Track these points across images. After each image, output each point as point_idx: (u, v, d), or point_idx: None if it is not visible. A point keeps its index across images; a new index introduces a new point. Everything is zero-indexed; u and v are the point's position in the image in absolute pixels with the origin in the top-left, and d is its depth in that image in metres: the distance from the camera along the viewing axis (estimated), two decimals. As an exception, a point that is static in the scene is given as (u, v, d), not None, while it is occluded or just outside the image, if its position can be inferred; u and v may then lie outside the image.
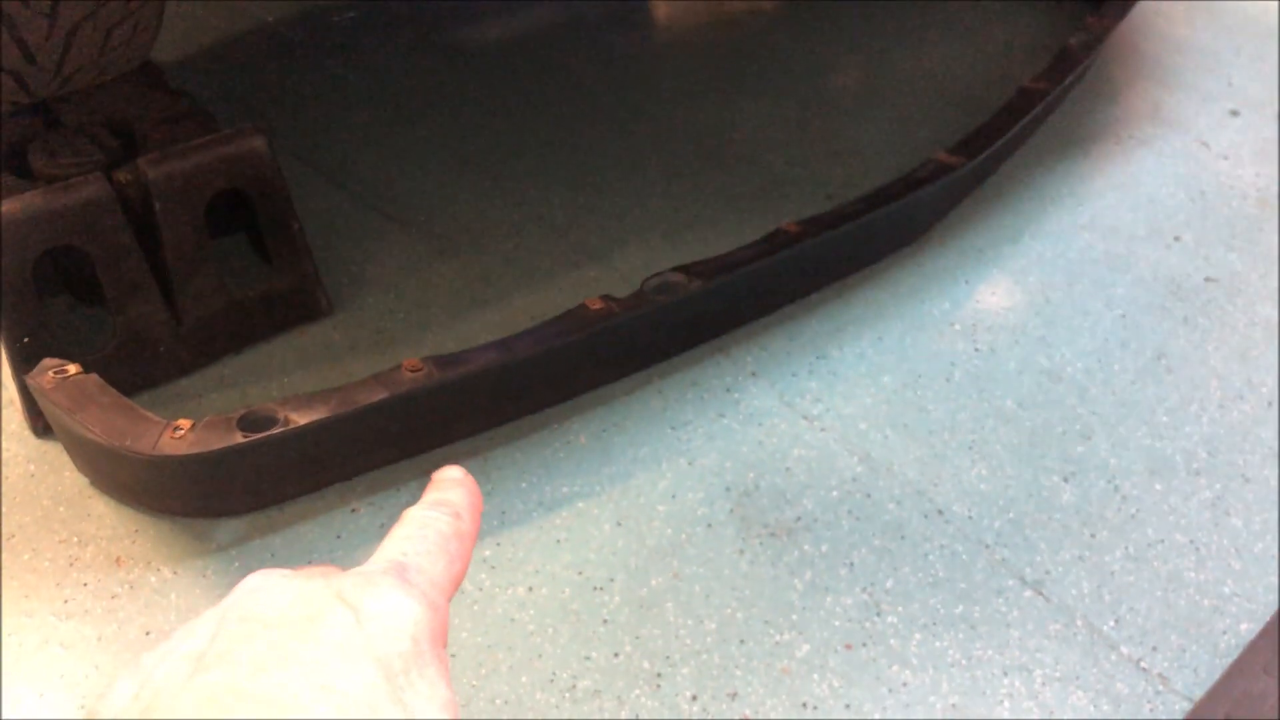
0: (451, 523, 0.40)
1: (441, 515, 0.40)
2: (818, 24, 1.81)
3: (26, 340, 0.99)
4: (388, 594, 0.34)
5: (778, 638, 0.88)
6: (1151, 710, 0.85)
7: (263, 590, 0.34)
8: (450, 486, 0.43)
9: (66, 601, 0.89)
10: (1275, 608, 0.93)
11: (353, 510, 0.97)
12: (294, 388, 1.09)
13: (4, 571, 0.91)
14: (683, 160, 1.46)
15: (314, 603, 0.33)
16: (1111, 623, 0.91)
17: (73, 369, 0.91)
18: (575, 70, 1.65)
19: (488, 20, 1.79)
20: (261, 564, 0.92)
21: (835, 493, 1.00)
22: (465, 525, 0.41)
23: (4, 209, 0.94)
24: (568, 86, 1.61)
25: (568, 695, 0.84)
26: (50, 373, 0.90)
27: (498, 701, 0.83)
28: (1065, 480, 1.03)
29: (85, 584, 0.90)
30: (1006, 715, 0.84)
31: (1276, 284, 1.29)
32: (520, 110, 1.55)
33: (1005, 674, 0.87)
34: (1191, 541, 0.98)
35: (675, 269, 1.09)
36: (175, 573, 0.91)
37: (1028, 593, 0.93)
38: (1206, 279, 1.29)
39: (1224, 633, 0.91)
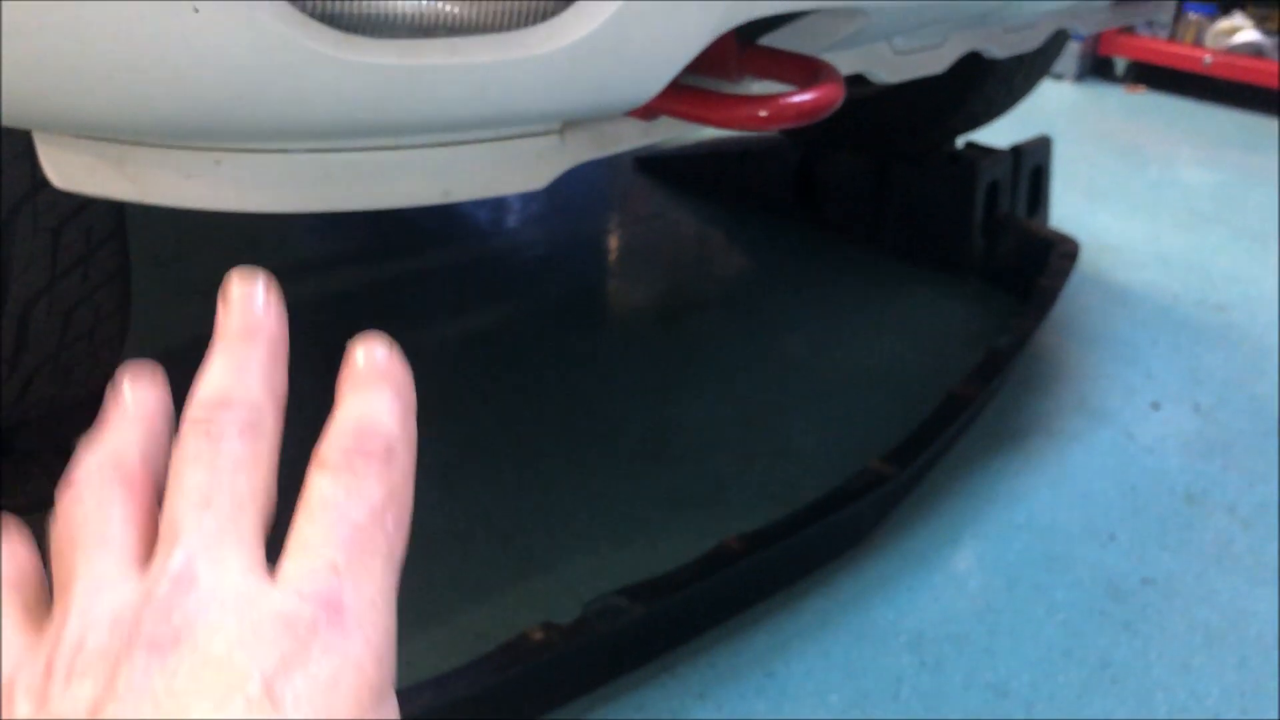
0: (386, 488, 0.30)
1: (373, 478, 0.30)
2: (758, 322, 1.90)
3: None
4: (321, 671, 0.26)
5: None
6: None
7: (189, 615, 0.26)
8: (378, 395, 0.32)
9: None
10: None
11: None
12: None
13: None
14: (630, 461, 1.49)
15: (231, 682, 0.25)
16: None
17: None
18: (524, 368, 1.72)
19: (444, 319, 1.87)
20: None
21: (784, 834, 0.98)
22: (400, 472, 0.30)
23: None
24: (517, 385, 1.67)
25: None
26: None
27: None
28: (1018, 811, 1.01)
29: None
30: None
31: (1211, 586, 1.31)
32: (471, 409, 1.60)
33: None
34: None
35: (618, 591, 1.10)
36: None
37: None
38: (1143, 580, 1.32)
39: None
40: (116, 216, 1.03)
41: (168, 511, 0.29)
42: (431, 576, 1.26)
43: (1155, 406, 1.69)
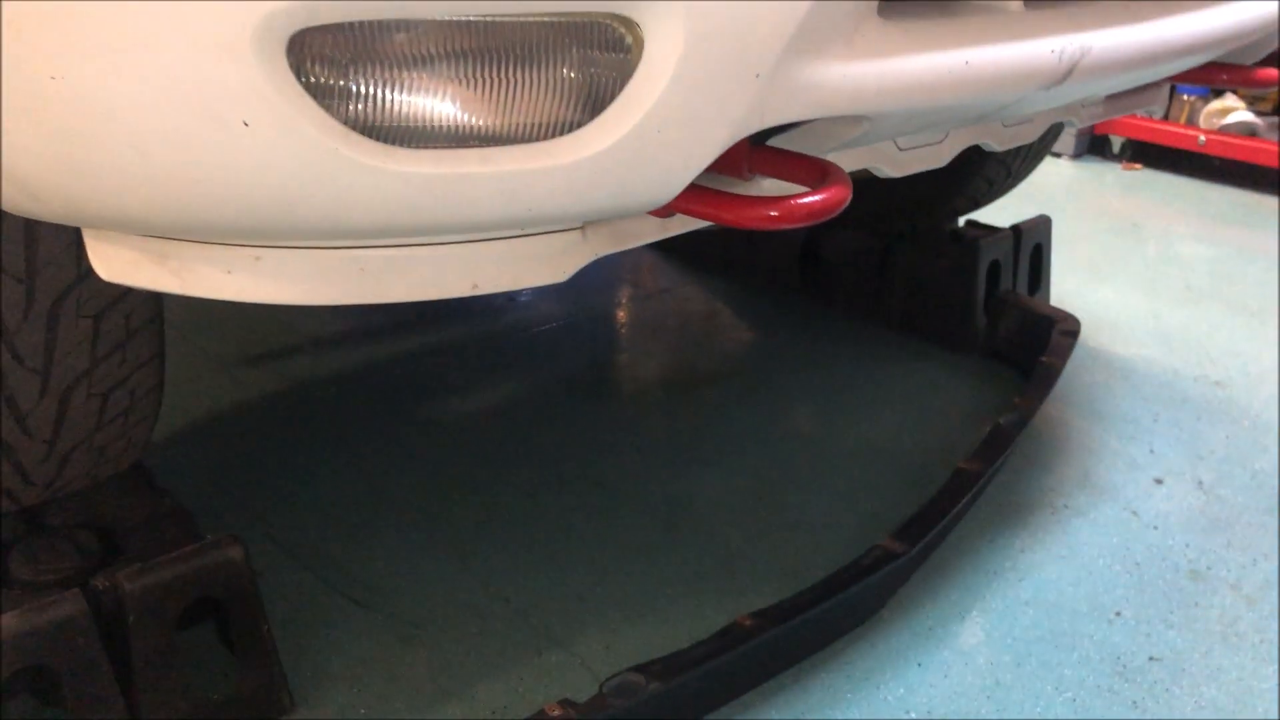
0: None
1: None
2: (766, 396, 1.94)
3: (-18, 759, 0.98)
4: None
5: None
6: None
7: None
8: None
9: None
10: None
11: None
12: (249, 798, 1.08)
13: None
14: (643, 534, 1.52)
15: None
16: None
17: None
18: (541, 442, 1.75)
19: (460, 394, 1.91)
20: None
21: None
22: None
23: (-20, 632, 0.96)
24: (534, 459, 1.70)
25: None
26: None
27: None
28: None
29: None
30: None
31: (1217, 664, 1.33)
32: (488, 484, 1.63)
33: None
34: None
35: (633, 668, 1.12)
36: None
37: None
38: (1150, 658, 1.34)
39: None
40: (155, 304, 1.07)
41: None
42: (449, 652, 1.28)
43: (1158, 482, 1.72)
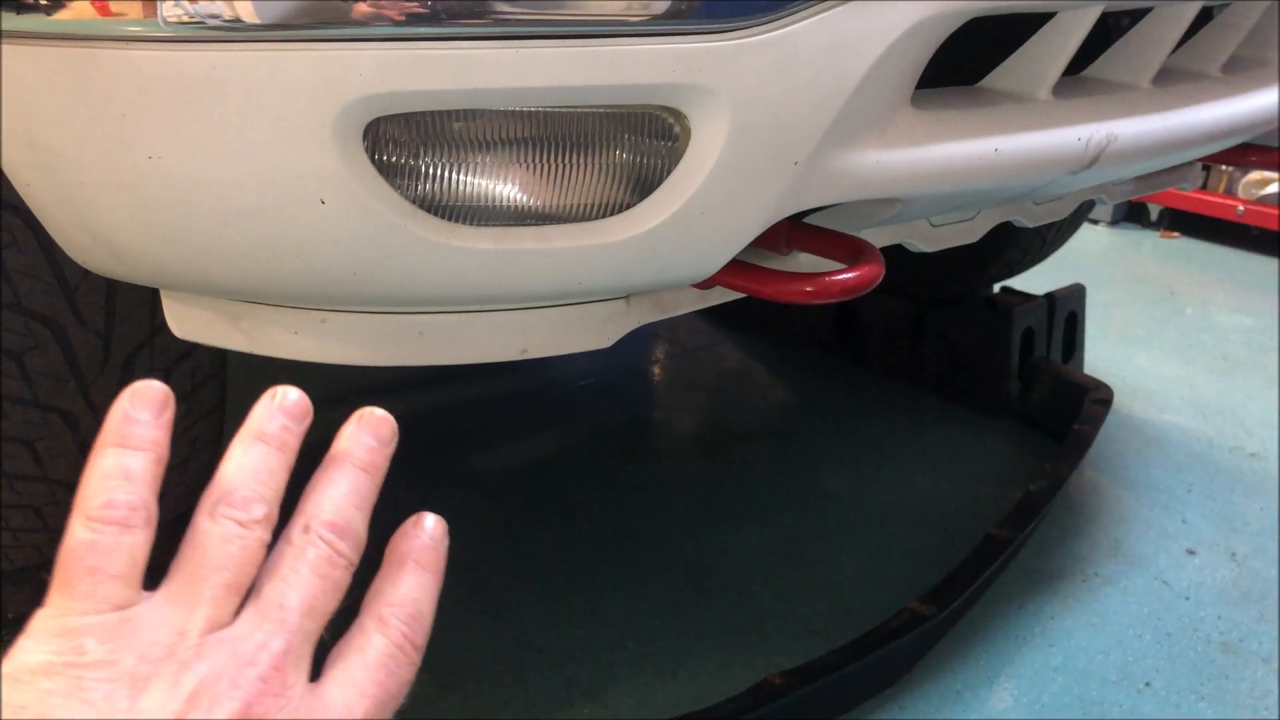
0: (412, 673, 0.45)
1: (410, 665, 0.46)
2: (799, 455, 1.97)
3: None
4: None
5: None
6: None
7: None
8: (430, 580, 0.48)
9: None
10: None
11: None
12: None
13: None
14: (676, 590, 1.55)
15: None
16: None
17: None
18: (577, 497, 1.79)
19: (498, 447, 1.96)
20: None
21: None
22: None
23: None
24: (570, 513, 1.74)
25: None
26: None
27: None
28: None
29: None
30: None
31: (1246, 737, 1.33)
32: (524, 537, 1.67)
33: None
34: None
35: (665, 723, 1.15)
36: None
37: None
38: (1178, 729, 1.34)
39: None
40: (219, 359, 1.13)
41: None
42: (483, 701, 1.32)
43: (1190, 553, 1.72)
